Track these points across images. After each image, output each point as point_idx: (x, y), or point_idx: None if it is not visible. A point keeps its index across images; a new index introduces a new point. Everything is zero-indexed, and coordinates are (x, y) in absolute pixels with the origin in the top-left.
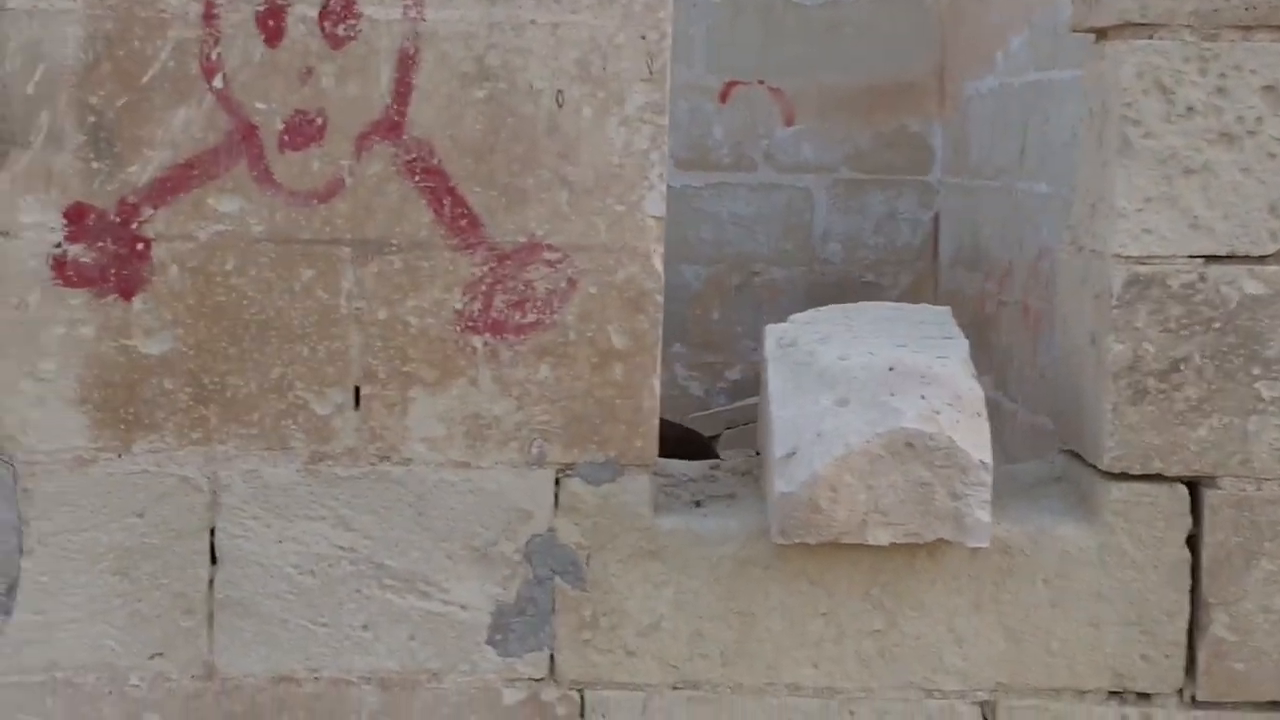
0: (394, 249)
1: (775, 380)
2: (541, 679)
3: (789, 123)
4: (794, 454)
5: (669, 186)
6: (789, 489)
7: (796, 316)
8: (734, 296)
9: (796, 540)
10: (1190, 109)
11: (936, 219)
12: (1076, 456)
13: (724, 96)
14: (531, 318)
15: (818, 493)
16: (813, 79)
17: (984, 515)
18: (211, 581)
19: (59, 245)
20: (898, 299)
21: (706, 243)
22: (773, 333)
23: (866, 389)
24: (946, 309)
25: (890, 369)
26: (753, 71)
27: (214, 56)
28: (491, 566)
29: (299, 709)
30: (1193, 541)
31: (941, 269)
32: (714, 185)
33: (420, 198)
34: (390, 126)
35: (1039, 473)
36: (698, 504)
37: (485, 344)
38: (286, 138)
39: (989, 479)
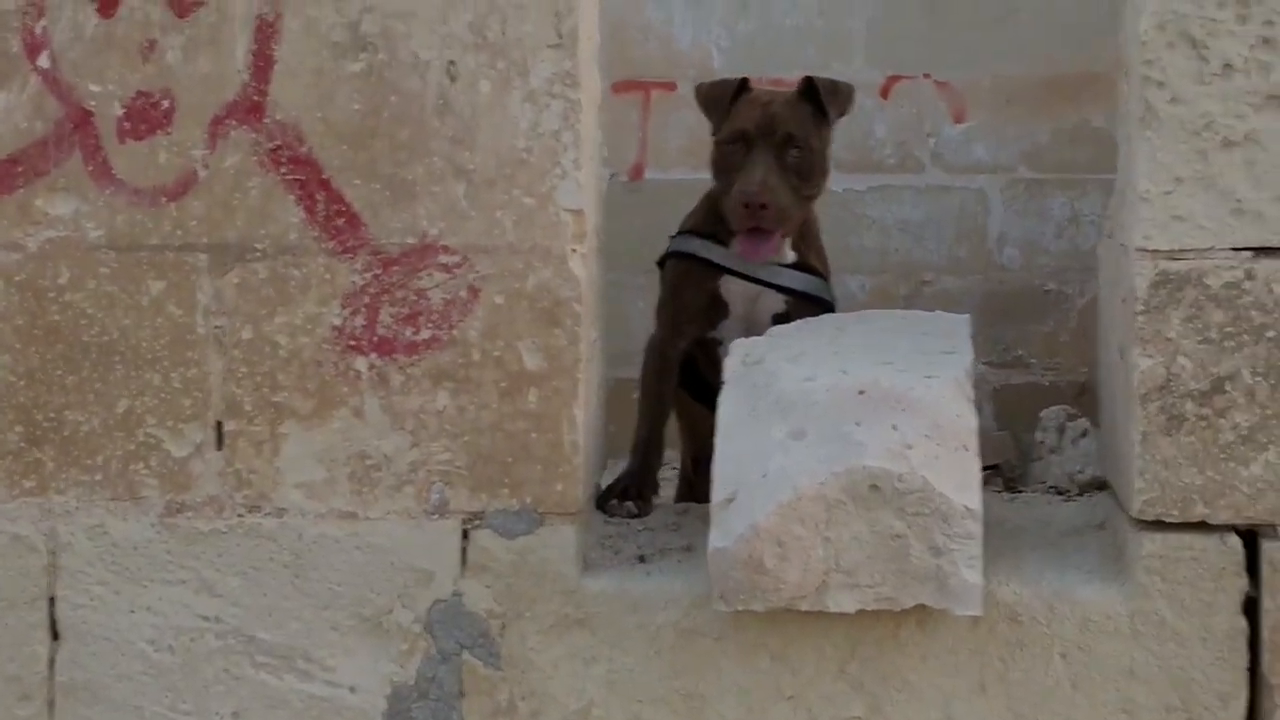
0: (258, 255)
1: (725, 407)
2: None
3: (958, 119)
4: (733, 499)
5: (832, 191)
6: (724, 544)
7: (779, 328)
8: (903, 308)
9: (739, 607)
10: (1228, 66)
11: None
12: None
13: (885, 92)
14: (426, 334)
15: (760, 548)
16: (984, 71)
17: (973, 575)
18: (52, 661)
19: None
20: (1084, 307)
21: (870, 251)
22: (739, 349)
23: (827, 417)
24: (965, 317)
25: (860, 392)
26: (917, 64)
27: (38, 30)
28: (386, 640)
29: None
30: (1250, 607)
31: None
32: (877, 188)
33: (288, 193)
34: (249, 109)
35: (1080, 518)
36: (642, 559)
37: (371, 367)
38: (127, 125)
39: (978, 529)
